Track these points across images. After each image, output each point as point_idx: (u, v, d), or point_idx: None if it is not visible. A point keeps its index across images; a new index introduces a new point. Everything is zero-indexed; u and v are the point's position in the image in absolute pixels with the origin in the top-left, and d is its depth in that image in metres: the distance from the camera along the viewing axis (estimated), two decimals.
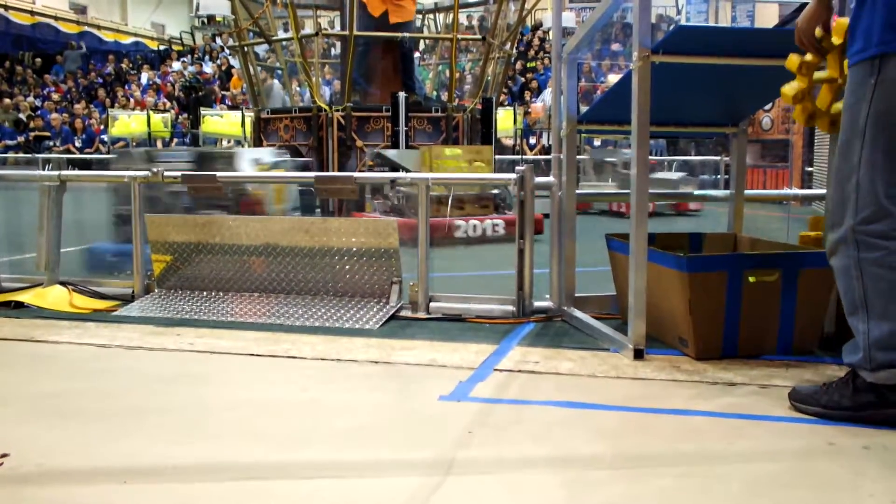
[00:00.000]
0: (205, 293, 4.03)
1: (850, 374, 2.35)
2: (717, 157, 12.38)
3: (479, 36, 9.59)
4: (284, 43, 9.86)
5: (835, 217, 2.35)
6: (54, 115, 19.22)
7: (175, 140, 17.61)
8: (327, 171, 7.63)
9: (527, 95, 18.52)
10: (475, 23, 18.87)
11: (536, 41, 21.41)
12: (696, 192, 4.50)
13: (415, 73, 8.37)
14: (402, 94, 7.57)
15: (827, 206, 2.45)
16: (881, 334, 2.25)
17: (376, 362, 2.96)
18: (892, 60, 2.23)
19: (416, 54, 9.01)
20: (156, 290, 4.10)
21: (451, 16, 8.42)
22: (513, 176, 3.70)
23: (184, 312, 3.75)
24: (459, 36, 8.48)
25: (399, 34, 8.24)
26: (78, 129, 18.89)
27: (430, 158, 6.96)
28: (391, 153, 7.24)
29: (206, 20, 8.73)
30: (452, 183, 6.39)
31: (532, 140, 15.92)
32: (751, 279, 2.96)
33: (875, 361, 2.26)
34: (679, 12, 21.73)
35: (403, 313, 3.72)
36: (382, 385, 2.70)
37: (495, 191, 7.25)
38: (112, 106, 20.11)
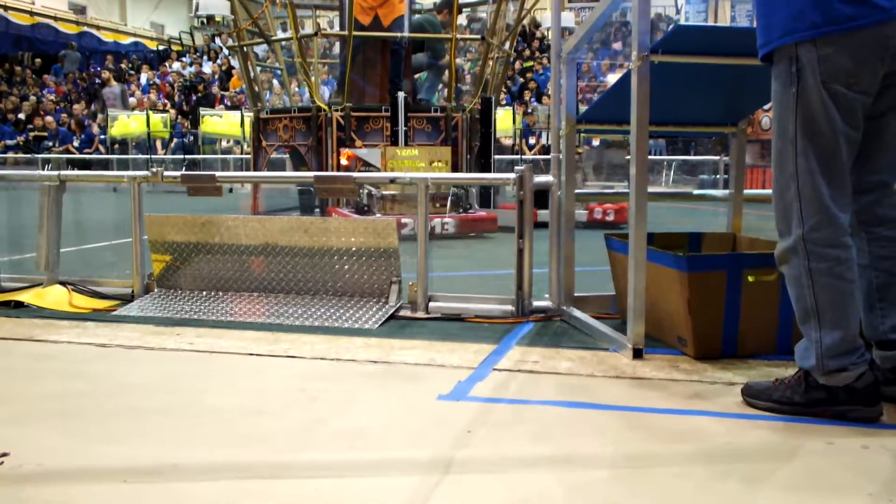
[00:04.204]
0: (204, 293, 4.03)
1: (802, 372, 2.38)
2: (717, 157, 12.40)
3: (477, 36, 9.59)
4: (283, 43, 9.86)
5: (781, 226, 2.38)
6: (50, 119, 19.22)
7: (175, 140, 17.62)
8: (326, 170, 7.63)
9: (526, 95, 18.53)
10: (473, 23, 18.88)
11: (535, 42, 21.42)
12: (696, 192, 4.51)
13: (402, 72, 8.36)
14: (401, 95, 7.58)
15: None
16: (832, 342, 2.29)
17: (375, 362, 2.96)
18: (805, 60, 2.23)
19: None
20: (155, 290, 4.10)
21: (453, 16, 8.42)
22: (512, 175, 3.70)
23: (183, 312, 3.75)
24: (459, 36, 8.47)
25: (399, 34, 8.24)
26: (76, 129, 18.90)
27: (386, 158, 7.01)
28: (361, 152, 7.33)
29: (205, 20, 8.72)
30: (451, 182, 6.40)
31: (531, 140, 15.94)
32: (750, 279, 2.96)
33: (827, 368, 2.30)
34: (678, 12, 21.76)
35: (403, 313, 3.72)
36: (381, 385, 2.71)
37: (454, 190, 7.39)
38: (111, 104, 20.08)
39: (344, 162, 7.39)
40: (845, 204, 2.32)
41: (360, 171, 7.20)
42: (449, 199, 6.86)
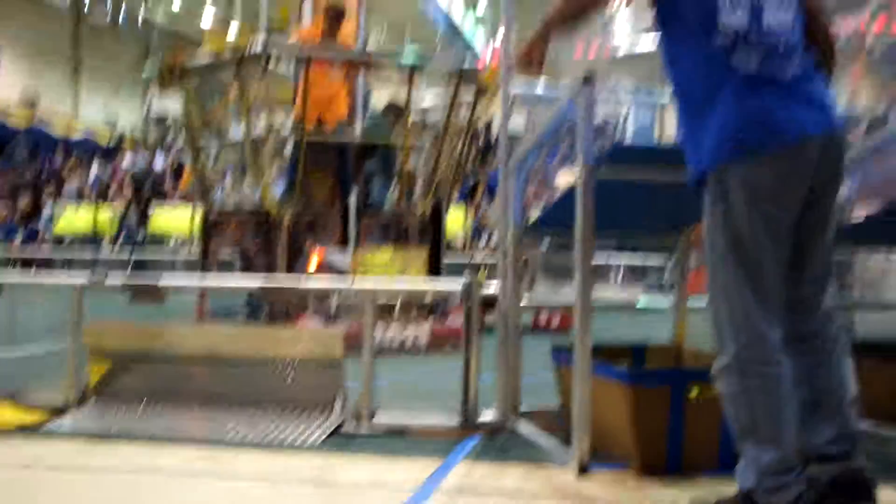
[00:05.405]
0: (143, 404, 3.90)
1: (743, 493, 2.38)
2: (662, 263, 12.60)
3: (428, 139, 9.75)
4: (235, 142, 9.89)
5: (717, 343, 2.41)
6: None
7: (122, 236, 17.40)
8: (276, 272, 7.57)
9: (477, 195, 18.77)
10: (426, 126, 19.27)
11: (485, 144, 21.82)
12: (640, 305, 4.53)
13: (351, 174, 8.45)
14: (351, 197, 7.61)
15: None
16: (770, 461, 2.30)
17: (317, 481, 2.88)
18: (732, 181, 2.31)
19: None
20: (91, 401, 3.96)
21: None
22: (458, 288, 3.70)
23: (119, 426, 3.62)
24: (409, 140, 8.61)
25: (349, 140, 8.35)
26: (20, 223, 18.62)
27: (356, 265, 6.60)
28: (334, 258, 7.15)
29: (157, 120, 8.74)
30: (398, 294, 6.33)
31: (482, 240, 16.09)
32: (694, 393, 2.97)
33: (766, 487, 2.30)
34: (624, 122, 22.31)
35: (347, 427, 3.62)
36: None
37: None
38: (58, 198, 19.81)
39: (312, 269, 7.11)
40: (775, 320, 2.37)
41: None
42: (398, 304, 6.65)
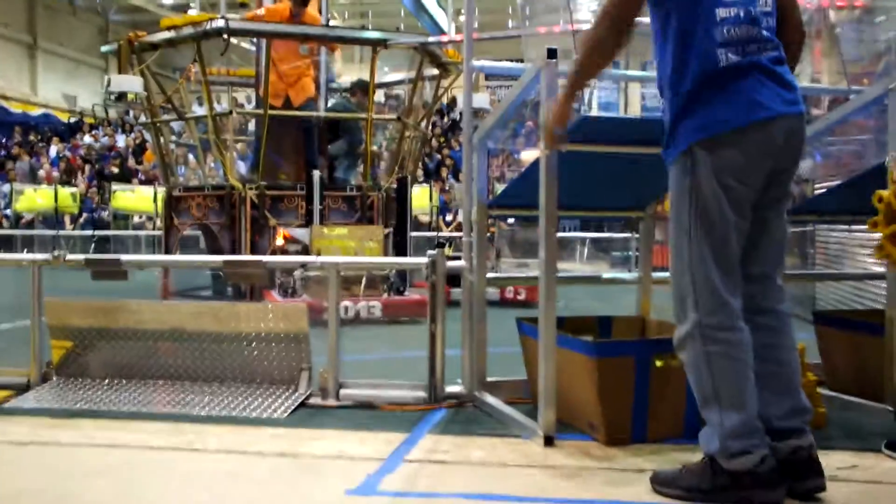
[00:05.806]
0: (107, 381, 3.86)
1: (707, 459, 2.42)
2: (629, 235, 12.69)
3: (393, 116, 9.71)
4: (199, 118, 9.77)
5: (678, 312, 2.47)
6: None
7: (84, 215, 17.15)
8: (239, 251, 7.52)
9: (443, 172, 18.74)
10: (390, 99, 19.16)
11: (449, 120, 21.79)
12: (605, 276, 4.57)
13: (317, 151, 8.44)
14: (316, 173, 7.57)
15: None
16: (733, 425, 2.35)
17: (283, 454, 2.87)
18: (700, 156, 2.36)
19: None
20: (54, 379, 3.91)
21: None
22: (424, 260, 3.70)
23: (83, 402, 3.58)
24: (374, 116, 8.56)
25: (314, 114, 8.29)
26: None
27: (313, 238, 6.77)
28: (297, 232, 7.19)
29: (116, 97, 8.56)
30: (364, 267, 6.33)
31: (448, 217, 16.09)
32: (658, 364, 3.01)
33: (730, 451, 2.35)
34: (590, 96, 22.38)
35: (313, 401, 3.62)
36: (289, 480, 2.62)
37: (384, 271, 7.08)
38: (15, 179, 19.48)
39: (280, 242, 7.19)
40: (736, 289, 2.42)
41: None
42: (363, 280, 6.71)
